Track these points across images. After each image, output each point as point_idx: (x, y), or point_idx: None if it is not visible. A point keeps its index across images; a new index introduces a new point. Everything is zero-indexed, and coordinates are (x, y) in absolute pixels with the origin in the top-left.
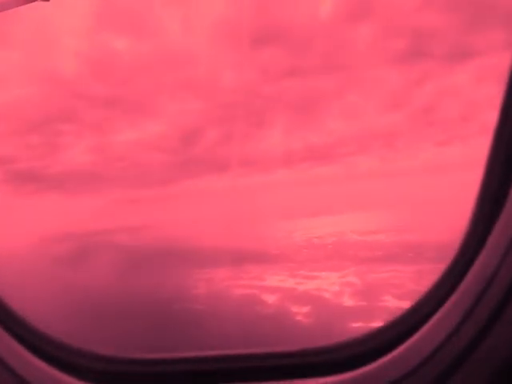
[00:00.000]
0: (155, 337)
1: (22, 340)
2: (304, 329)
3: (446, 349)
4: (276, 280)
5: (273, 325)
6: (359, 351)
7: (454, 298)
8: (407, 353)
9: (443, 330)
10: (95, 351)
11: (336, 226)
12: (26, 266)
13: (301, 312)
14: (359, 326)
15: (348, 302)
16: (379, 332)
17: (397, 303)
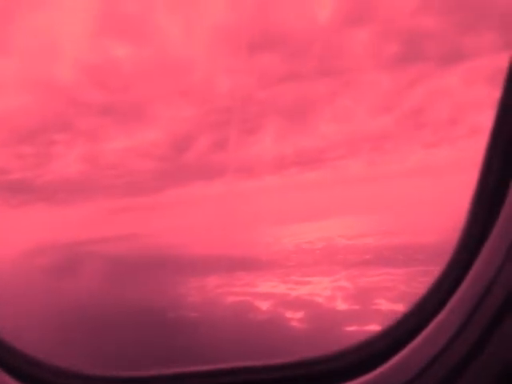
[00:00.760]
0: (149, 346)
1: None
2: (299, 334)
3: (447, 354)
4: (268, 286)
5: (268, 331)
6: (358, 359)
7: (452, 302)
8: (407, 359)
9: (443, 335)
10: (73, 370)
11: (325, 230)
12: (12, 277)
13: (295, 317)
14: (354, 330)
15: (341, 306)
16: (377, 338)
17: (390, 306)
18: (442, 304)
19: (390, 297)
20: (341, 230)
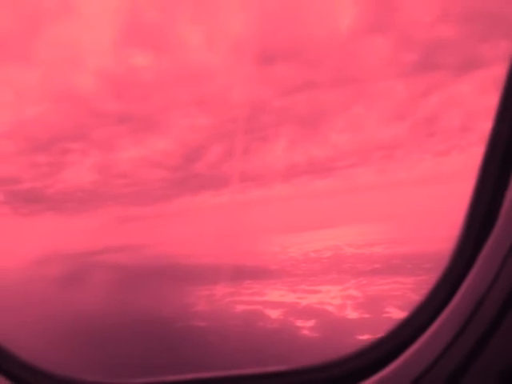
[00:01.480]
0: (158, 356)
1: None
2: (311, 342)
3: (447, 357)
4: (277, 295)
5: (278, 339)
6: (357, 365)
7: (448, 309)
8: (407, 364)
9: (442, 340)
10: (78, 379)
11: (332, 239)
12: (20, 287)
13: (306, 326)
14: (367, 339)
15: (352, 314)
16: (376, 345)
17: (401, 314)
18: (439, 310)
19: (401, 305)
20: (349, 238)
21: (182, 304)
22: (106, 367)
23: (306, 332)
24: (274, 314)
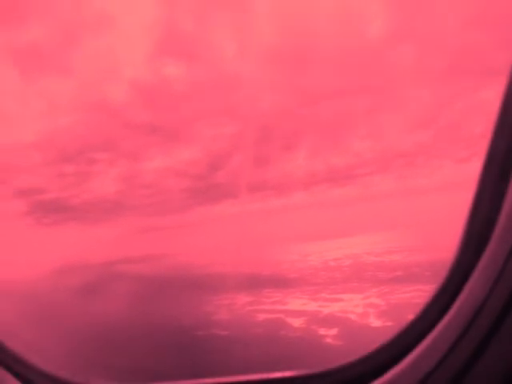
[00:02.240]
0: (180, 365)
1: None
2: (335, 351)
3: (450, 360)
4: (298, 303)
5: (302, 348)
6: (363, 370)
7: (450, 313)
8: (411, 367)
9: (445, 343)
10: None
11: (352, 247)
12: (41, 296)
13: (329, 334)
14: None
15: (375, 322)
16: (381, 349)
17: None
18: (441, 314)
19: None
20: (368, 246)
21: (203, 313)
22: (127, 377)
23: (329, 340)
24: (296, 322)
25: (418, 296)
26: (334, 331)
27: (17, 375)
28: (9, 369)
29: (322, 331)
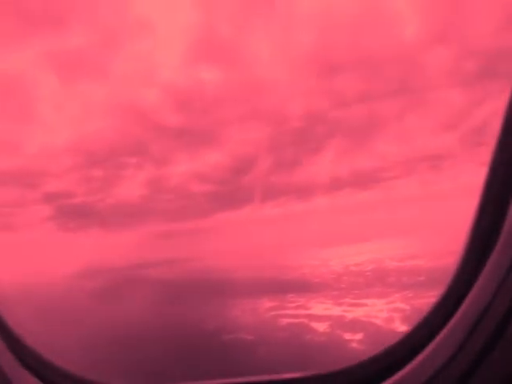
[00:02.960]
0: (205, 369)
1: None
2: (361, 356)
3: (455, 362)
4: (321, 308)
5: (327, 352)
6: (369, 372)
7: (456, 317)
8: (417, 370)
9: (450, 346)
10: None
11: (373, 252)
12: (61, 300)
13: (354, 339)
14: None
15: (401, 327)
16: (387, 352)
17: None
18: (447, 318)
19: None
20: (390, 251)
21: (227, 317)
22: (151, 380)
23: (355, 345)
24: (320, 327)
25: None
26: (359, 336)
27: (39, 376)
28: (30, 369)
29: (348, 336)
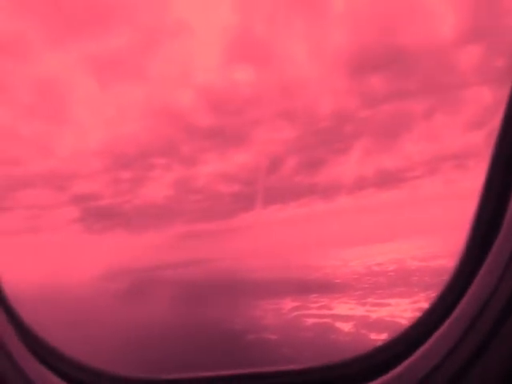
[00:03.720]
0: (229, 370)
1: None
2: None
3: (450, 360)
4: (345, 308)
5: (353, 353)
6: (364, 367)
7: (454, 314)
8: (412, 366)
9: (446, 343)
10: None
11: (396, 252)
12: (85, 300)
13: (380, 339)
14: None
15: None
16: (383, 348)
17: None
18: (445, 315)
19: None
20: (412, 251)
21: (251, 317)
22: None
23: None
24: (345, 327)
25: None
26: (384, 335)
27: (62, 374)
28: (52, 369)
29: (373, 336)
